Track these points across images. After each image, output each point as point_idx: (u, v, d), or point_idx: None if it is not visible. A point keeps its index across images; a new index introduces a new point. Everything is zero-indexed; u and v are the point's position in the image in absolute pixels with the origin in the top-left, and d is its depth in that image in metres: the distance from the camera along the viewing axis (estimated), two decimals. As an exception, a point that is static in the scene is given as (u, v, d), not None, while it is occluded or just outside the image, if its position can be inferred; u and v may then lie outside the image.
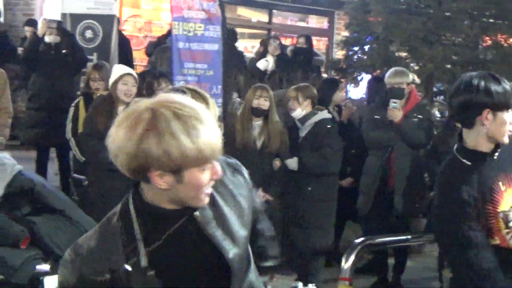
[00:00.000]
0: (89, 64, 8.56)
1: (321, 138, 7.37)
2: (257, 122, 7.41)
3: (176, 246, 2.63)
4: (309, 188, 7.37)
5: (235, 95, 10.25)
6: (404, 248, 8.06)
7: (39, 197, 5.68)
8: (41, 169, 9.46)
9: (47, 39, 9.49)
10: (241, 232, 2.80)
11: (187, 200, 2.57)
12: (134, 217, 2.59)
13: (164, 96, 2.54)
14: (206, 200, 2.61)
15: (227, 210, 2.78)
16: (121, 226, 2.61)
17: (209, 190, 2.60)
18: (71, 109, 7.90)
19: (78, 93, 8.85)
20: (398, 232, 7.87)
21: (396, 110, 7.51)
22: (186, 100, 2.52)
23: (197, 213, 2.65)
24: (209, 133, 2.47)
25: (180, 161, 2.43)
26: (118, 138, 2.45)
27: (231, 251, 2.70)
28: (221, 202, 2.78)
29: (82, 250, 2.65)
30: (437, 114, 11.47)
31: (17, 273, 5.24)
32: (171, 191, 2.53)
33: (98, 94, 7.84)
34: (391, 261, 8.23)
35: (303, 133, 7.46)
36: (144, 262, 2.54)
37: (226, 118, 9.03)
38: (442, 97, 11.63)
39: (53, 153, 10.08)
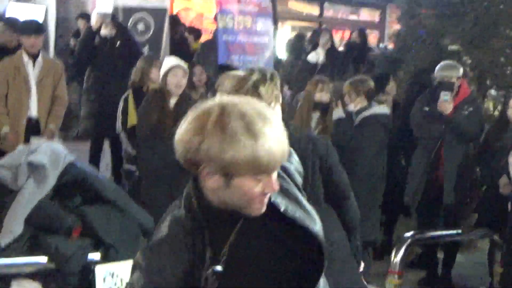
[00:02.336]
0: (143, 58, 8.58)
1: (363, 133, 7.30)
2: (315, 115, 7.40)
3: (245, 244, 2.52)
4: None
5: (285, 87, 10.25)
6: (454, 243, 8.00)
7: (91, 188, 5.76)
8: (94, 160, 9.57)
9: (103, 32, 9.57)
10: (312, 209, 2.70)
11: (237, 206, 2.43)
12: (200, 216, 2.47)
13: (239, 97, 2.47)
14: (261, 209, 2.46)
15: (295, 190, 2.69)
16: (190, 226, 2.48)
17: (264, 200, 2.44)
18: (121, 103, 7.98)
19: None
20: (449, 227, 7.84)
21: (446, 103, 7.45)
22: (260, 104, 2.41)
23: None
24: (272, 141, 2.32)
25: (232, 166, 2.31)
26: (181, 128, 2.38)
27: (316, 226, 2.62)
28: (285, 185, 2.66)
29: (154, 252, 2.51)
30: (491, 108, 11.31)
31: (68, 262, 5.32)
32: (220, 193, 2.41)
33: (150, 87, 7.90)
34: (441, 255, 8.17)
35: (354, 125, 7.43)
36: (218, 267, 2.46)
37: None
38: (495, 91, 11.49)
39: (105, 144, 10.19)
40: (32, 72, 8.11)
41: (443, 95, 7.46)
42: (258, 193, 2.38)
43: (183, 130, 2.37)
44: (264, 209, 2.46)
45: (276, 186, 2.41)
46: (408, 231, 7.48)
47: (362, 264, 5.06)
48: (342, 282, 4.40)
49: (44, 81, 8.14)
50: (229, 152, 2.29)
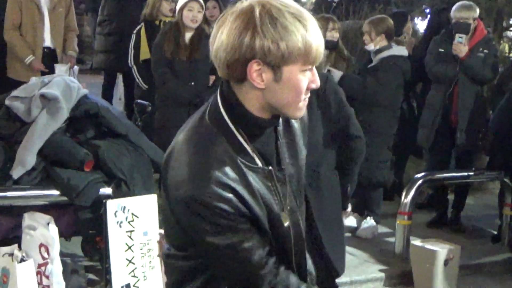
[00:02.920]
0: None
1: (378, 73, 7.25)
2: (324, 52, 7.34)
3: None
4: (360, 118, 7.33)
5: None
6: (464, 185, 8.01)
7: (103, 121, 5.77)
8: (107, 94, 9.57)
9: (118, -38, 9.47)
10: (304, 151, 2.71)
11: (282, 105, 2.42)
12: (232, 125, 2.43)
13: None
14: (302, 111, 2.48)
15: (295, 125, 2.68)
16: (221, 134, 2.42)
17: (306, 100, 2.46)
18: (133, 37, 7.93)
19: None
20: (460, 168, 7.85)
21: (461, 45, 7.39)
22: (293, 2, 2.42)
23: (280, 127, 2.57)
24: (315, 33, 2.36)
25: (285, 54, 2.31)
26: (222, 35, 2.35)
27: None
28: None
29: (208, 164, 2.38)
30: (506, 50, 11.23)
31: (80, 195, 5.36)
32: (266, 92, 2.38)
33: (166, 21, 7.85)
34: (451, 197, 8.19)
35: (370, 65, 7.37)
36: (260, 163, 2.46)
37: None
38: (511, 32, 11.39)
39: (119, 78, 10.19)
40: (44, 0, 8.07)
41: (458, 37, 7.39)
42: (305, 86, 2.40)
43: (227, 31, 2.34)
44: (303, 112, 2.49)
45: (318, 81, 2.45)
46: (419, 172, 7.51)
47: (350, 207, 5.08)
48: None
49: (56, 9, 8.10)
50: (283, 42, 2.31)
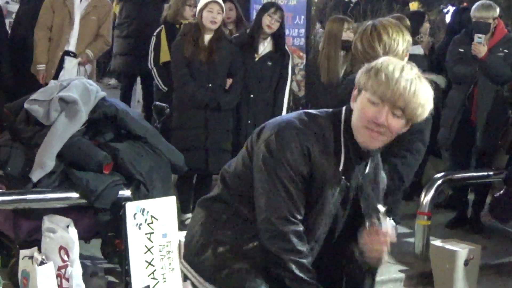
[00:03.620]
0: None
1: None
2: (341, 53, 7.32)
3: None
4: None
5: (318, 25, 10.15)
6: (485, 184, 7.96)
7: (122, 124, 5.79)
8: (126, 97, 9.58)
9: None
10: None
11: (354, 128, 2.83)
12: (343, 141, 2.88)
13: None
14: (367, 140, 2.82)
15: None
16: (333, 142, 2.86)
17: (374, 132, 2.78)
18: (153, 39, 7.93)
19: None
20: (480, 168, 7.80)
21: (480, 46, 7.33)
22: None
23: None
24: (401, 81, 2.72)
25: (364, 83, 2.80)
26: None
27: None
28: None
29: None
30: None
31: (99, 198, 5.37)
32: (353, 111, 2.84)
33: (185, 22, 7.85)
34: (471, 197, 8.15)
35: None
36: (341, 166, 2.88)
37: (308, 49, 8.97)
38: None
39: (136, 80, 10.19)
40: (78, 6, 8.08)
41: (477, 37, 7.34)
42: (368, 115, 2.75)
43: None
44: (371, 144, 2.84)
45: (383, 119, 2.74)
46: (438, 172, 7.47)
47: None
48: None
49: (88, 17, 8.10)
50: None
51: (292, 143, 2.77)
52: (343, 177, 2.86)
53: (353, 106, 2.83)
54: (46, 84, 6.99)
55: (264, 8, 7.47)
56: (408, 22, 7.37)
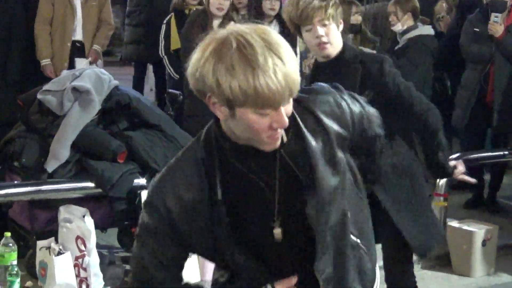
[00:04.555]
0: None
1: (407, 52, 7.18)
2: (350, 36, 7.31)
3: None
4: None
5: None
6: (500, 164, 7.92)
7: (135, 112, 5.78)
8: (138, 85, 9.58)
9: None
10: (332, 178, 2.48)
11: (246, 138, 2.32)
12: (215, 145, 2.39)
13: (253, 25, 2.30)
14: (271, 145, 2.32)
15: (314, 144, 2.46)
16: (204, 154, 2.40)
17: (276, 135, 2.30)
18: (163, 27, 7.91)
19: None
20: (496, 148, 7.77)
21: (497, 25, 7.26)
22: (272, 35, 2.26)
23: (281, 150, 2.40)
24: (277, 75, 2.17)
25: (231, 97, 2.19)
26: (193, 57, 2.31)
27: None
28: (308, 136, 2.45)
29: (166, 173, 2.44)
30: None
31: (115, 187, 5.38)
32: (229, 124, 2.31)
33: (192, 9, 7.83)
34: (487, 177, 8.11)
35: (397, 46, 7.31)
36: (219, 195, 2.37)
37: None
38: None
39: (149, 69, 10.19)
40: None
41: (493, 16, 7.26)
42: (265, 128, 2.24)
43: (196, 57, 2.30)
44: (276, 145, 2.34)
45: (286, 122, 2.25)
46: (454, 153, 7.44)
47: (461, 167, 4.76)
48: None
49: (89, 3, 8.09)
50: (226, 83, 2.19)
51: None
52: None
53: (225, 123, 2.34)
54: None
55: None
56: (414, 3, 7.34)
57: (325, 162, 2.44)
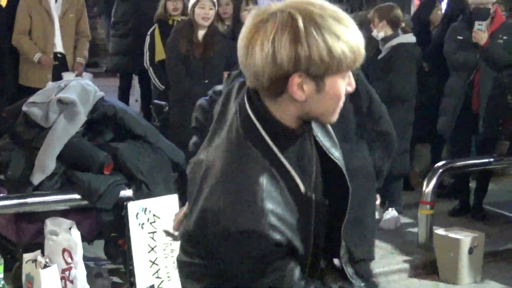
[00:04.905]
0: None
1: (392, 63, 7.20)
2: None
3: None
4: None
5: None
6: (486, 171, 7.96)
7: (121, 123, 5.78)
8: (124, 96, 9.58)
9: (129, -36, 9.45)
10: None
11: (322, 113, 2.31)
12: (268, 139, 2.29)
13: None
14: (337, 115, 2.36)
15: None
16: (260, 152, 2.28)
17: (342, 104, 2.35)
18: (147, 38, 7.93)
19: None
20: (481, 155, 7.80)
21: (481, 33, 7.29)
22: (323, 1, 2.27)
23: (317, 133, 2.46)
24: (355, 36, 2.23)
25: (332, 65, 2.19)
26: (261, 48, 2.18)
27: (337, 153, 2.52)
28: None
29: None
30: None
31: (101, 198, 5.36)
32: (306, 104, 2.26)
33: (176, 20, 7.85)
34: (473, 184, 8.15)
35: (380, 56, 7.33)
36: (301, 184, 2.31)
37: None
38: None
39: (135, 80, 10.18)
40: (54, 5, 8.07)
41: (477, 24, 7.29)
42: (343, 93, 2.31)
43: (268, 43, 2.19)
44: (337, 116, 2.37)
45: (354, 83, 2.34)
46: (442, 159, 7.47)
47: (378, 199, 5.08)
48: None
49: (66, 15, 8.10)
50: (331, 52, 2.18)
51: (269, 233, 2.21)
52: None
53: (298, 100, 2.27)
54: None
55: (239, 4, 7.60)
56: (397, 11, 7.36)
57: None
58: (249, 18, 2.26)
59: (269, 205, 2.17)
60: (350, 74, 2.30)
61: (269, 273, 2.18)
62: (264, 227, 2.13)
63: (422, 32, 8.39)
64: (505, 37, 7.40)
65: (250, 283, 2.20)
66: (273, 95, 2.27)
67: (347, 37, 2.20)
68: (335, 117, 2.36)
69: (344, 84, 2.28)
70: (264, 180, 2.21)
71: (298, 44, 2.17)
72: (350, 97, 4.19)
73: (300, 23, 2.17)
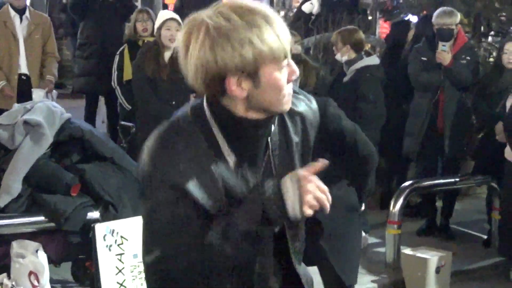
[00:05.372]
0: (136, 11, 8.51)
1: (358, 87, 7.21)
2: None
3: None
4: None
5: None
6: (452, 191, 8.01)
7: (88, 145, 5.76)
8: (90, 117, 9.53)
9: (96, -14, 9.45)
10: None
11: (268, 105, 2.48)
12: (213, 122, 2.51)
13: (222, 2, 2.47)
14: (288, 104, 2.52)
15: (295, 139, 2.69)
16: (199, 131, 2.50)
17: (290, 92, 2.51)
18: (116, 57, 7.92)
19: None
20: (447, 175, 7.85)
21: (445, 53, 7.39)
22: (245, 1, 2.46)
23: (270, 137, 2.60)
24: (280, 27, 2.41)
25: (257, 58, 2.36)
26: (191, 53, 2.40)
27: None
28: (291, 130, 2.69)
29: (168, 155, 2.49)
30: (486, 54, 11.25)
31: (68, 220, 5.33)
32: (250, 99, 2.45)
33: (145, 41, 7.85)
34: (439, 204, 8.20)
35: (345, 79, 7.35)
36: (231, 163, 2.51)
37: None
38: (489, 37, 11.43)
39: (101, 101, 10.14)
40: (19, 26, 8.04)
41: (441, 45, 7.39)
42: (285, 82, 2.45)
43: (196, 51, 2.38)
44: (289, 105, 2.54)
45: (297, 70, 2.49)
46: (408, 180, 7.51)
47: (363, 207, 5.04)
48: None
49: (32, 36, 8.08)
50: (251, 46, 2.36)
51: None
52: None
53: (240, 97, 2.44)
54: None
55: None
56: (359, 35, 7.40)
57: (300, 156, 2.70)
58: (185, 22, 2.45)
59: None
60: (291, 62, 2.46)
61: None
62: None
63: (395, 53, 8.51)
64: (468, 58, 7.50)
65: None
66: (216, 95, 2.47)
67: (266, 31, 2.37)
68: (286, 106, 2.52)
69: (282, 74, 2.44)
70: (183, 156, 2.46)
71: (219, 46, 2.34)
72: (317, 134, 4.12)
73: (213, 27, 2.36)
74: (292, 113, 2.67)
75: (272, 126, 2.59)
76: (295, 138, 2.69)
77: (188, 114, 2.54)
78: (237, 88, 2.40)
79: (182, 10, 9.61)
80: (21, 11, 8.09)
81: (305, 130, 2.74)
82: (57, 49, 8.47)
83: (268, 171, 2.60)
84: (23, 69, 8.04)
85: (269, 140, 2.60)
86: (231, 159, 2.51)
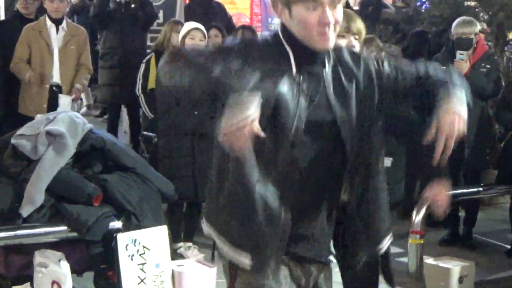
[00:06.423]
0: (168, 22, 8.51)
1: None
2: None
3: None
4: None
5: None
6: (475, 201, 7.97)
7: (110, 155, 5.77)
8: (112, 128, 9.57)
9: (117, -5, 9.48)
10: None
11: (301, 37, 2.85)
12: (284, 42, 2.90)
13: None
14: (323, 43, 2.84)
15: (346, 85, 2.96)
16: (275, 49, 2.91)
17: (327, 33, 2.81)
18: (142, 66, 7.93)
19: (149, 50, 8.88)
20: (469, 185, 7.81)
21: (462, 62, 7.36)
22: None
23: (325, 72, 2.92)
24: None
25: None
26: None
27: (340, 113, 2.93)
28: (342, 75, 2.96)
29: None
30: (507, 63, 11.22)
31: (90, 230, 5.34)
32: (290, 27, 2.87)
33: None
34: (462, 214, 8.16)
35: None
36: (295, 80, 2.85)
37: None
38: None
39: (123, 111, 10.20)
40: (55, 37, 8.10)
41: (458, 54, 7.37)
42: (314, 23, 2.80)
43: None
44: (328, 44, 2.86)
45: (331, 19, 2.79)
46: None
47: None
48: None
49: (67, 47, 8.13)
50: None
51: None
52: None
53: (287, 22, 2.90)
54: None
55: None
56: (378, 43, 7.39)
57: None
58: None
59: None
60: (325, 9, 2.78)
61: None
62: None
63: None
64: (488, 66, 7.47)
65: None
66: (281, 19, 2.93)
67: None
68: (318, 45, 2.85)
69: (311, 15, 2.79)
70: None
71: None
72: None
73: None
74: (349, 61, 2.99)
75: (327, 63, 2.91)
76: (349, 85, 2.96)
77: (268, 38, 2.98)
78: (281, 13, 2.88)
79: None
80: (58, 22, 8.15)
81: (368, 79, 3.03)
82: (91, 62, 8.50)
83: (324, 100, 2.90)
84: (56, 79, 8.08)
85: (324, 74, 2.90)
86: (296, 76, 2.85)
